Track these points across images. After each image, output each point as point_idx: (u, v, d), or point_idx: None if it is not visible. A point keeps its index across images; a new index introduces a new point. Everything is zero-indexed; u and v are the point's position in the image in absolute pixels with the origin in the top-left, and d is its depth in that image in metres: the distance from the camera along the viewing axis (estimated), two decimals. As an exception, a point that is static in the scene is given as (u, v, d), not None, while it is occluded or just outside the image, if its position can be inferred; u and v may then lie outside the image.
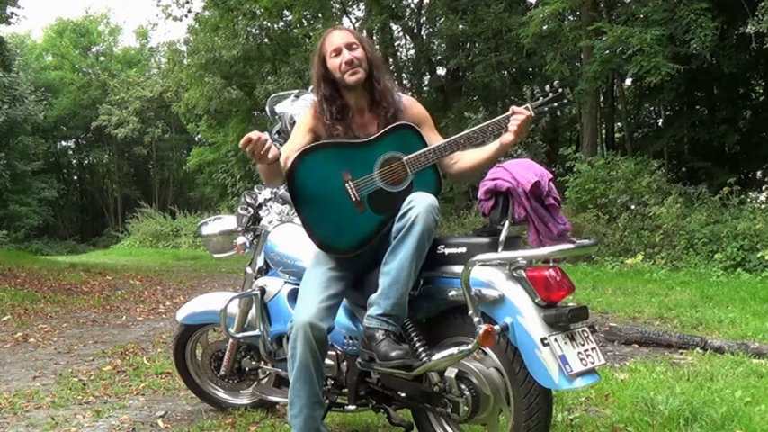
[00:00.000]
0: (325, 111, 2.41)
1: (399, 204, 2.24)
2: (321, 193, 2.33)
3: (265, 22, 18.82)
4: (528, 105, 2.27)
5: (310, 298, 2.32)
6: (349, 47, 2.37)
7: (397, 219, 2.23)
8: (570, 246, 2.12)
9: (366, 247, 2.34)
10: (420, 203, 2.19)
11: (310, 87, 3.11)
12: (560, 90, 2.28)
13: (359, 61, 2.36)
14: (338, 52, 2.37)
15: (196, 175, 30.08)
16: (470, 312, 2.08)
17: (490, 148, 2.35)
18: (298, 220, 2.90)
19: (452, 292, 2.22)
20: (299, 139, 2.42)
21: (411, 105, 2.50)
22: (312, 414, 2.36)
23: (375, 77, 2.40)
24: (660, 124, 16.91)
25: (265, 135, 2.15)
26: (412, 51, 19.28)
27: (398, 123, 2.37)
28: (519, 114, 2.25)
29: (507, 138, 2.27)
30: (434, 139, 2.39)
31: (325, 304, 2.31)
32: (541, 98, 2.28)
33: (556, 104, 2.28)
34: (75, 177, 40.61)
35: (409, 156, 2.30)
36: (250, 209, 3.12)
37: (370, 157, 2.32)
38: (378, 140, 2.33)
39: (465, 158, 2.42)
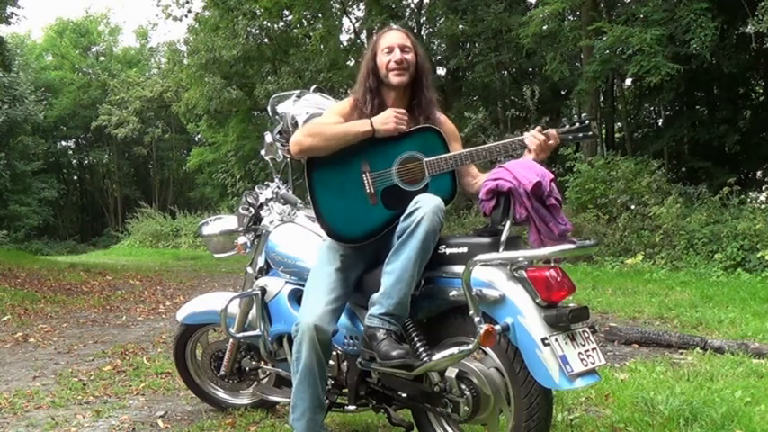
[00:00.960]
0: (367, 102, 2.42)
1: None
2: (337, 178, 2.36)
3: (265, 22, 18.81)
4: (554, 130, 2.33)
5: (316, 300, 2.32)
6: (402, 48, 2.40)
7: (402, 218, 2.23)
8: (571, 246, 2.12)
9: (371, 239, 2.36)
10: (426, 204, 2.19)
11: (312, 87, 3.12)
12: (587, 123, 2.35)
13: (408, 64, 2.39)
14: (391, 50, 2.39)
15: (196, 175, 30.10)
16: (471, 312, 2.08)
17: None
18: (299, 220, 2.91)
19: (453, 292, 2.23)
20: (331, 120, 2.43)
21: (444, 122, 2.53)
22: (314, 417, 2.37)
23: (423, 84, 2.44)
24: (660, 124, 16.92)
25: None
26: (412, 51, 19.25)
27: (426, 125, 2.39)
28: (546, 137, 2.30)
29: (530, 157, 2.30)
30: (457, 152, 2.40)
31: (331, 307, 2.31)
32: (567, 125, 2.36)
33: (580, 135, 2.36)
34: (75, 177, 40.61)
35: (429, 158, 2.32)
36: (251, 209, 3.12)
37: (391, 153, 2.35)
38: (402, 138, 2.35)
39: (485, 179, 2.43)
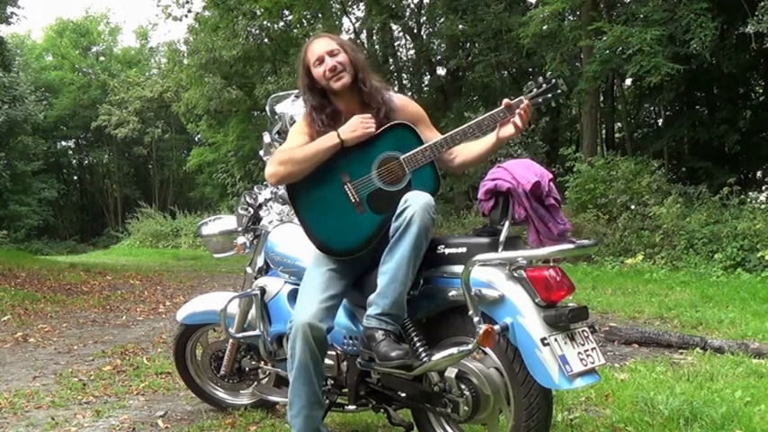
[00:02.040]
0: (315, 119, 2.42)
1: (398, 203, 2.24)
2: (320, 195, 2.35)
3: (265, 22, 18.82)
4: (522, 97, 2.28)
5: (310, 298, 2.32)
6: (331, 53, 2.38)
7: (393, 218, 2.23)
8: (570, 246, 2.12)
9: (369, 247, 2.35)
10: (416, 202, 2.19)
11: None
12: (554, 81, 2.29)
13: (342, 66, 2.37)
14: (321, 60, 2.38)
15: (196, 175, 30.11)
16: (470, 312, 2.08)
17: (488, 141, 2.35)
18: (298, 221, 2.90)
19: (452, 292, 2.22)
20: (296, 142, 2.41)
21: (405, 104, 2.50)
22: (311, 414, 2.37)
23: (360, 79, 2.40)
24: (660, 124, 16.92)
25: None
26: (412, 51, 19.29)
27: (394, 123, 2.37)
28: (519, 109, 2.24)
29: (507, 131, 2.28)
30: (431, 137, 2.39)
31: (325, 305, 2.31)
32: (535, 89, 2.29)
33: (550, 95, 2.29)
34: (75, 177, 40.61)
35: (406, 154, 2.30)
36: (250, 209, 3.12)
37: (367, 158, 2.33)
38: (374, 141, 2.33)
39: (465, 152, 2.42)
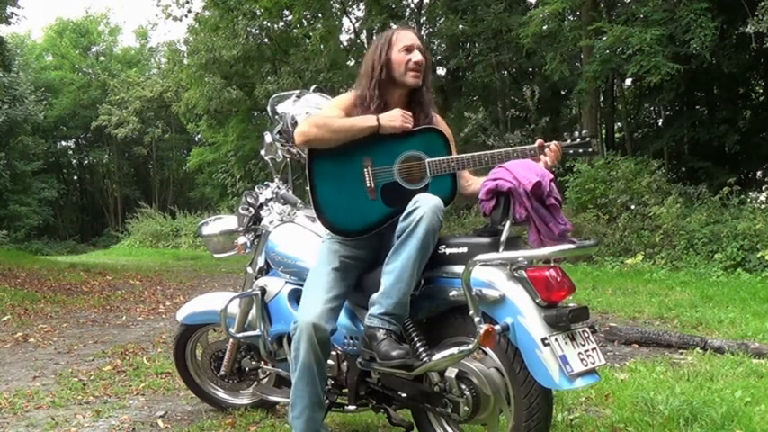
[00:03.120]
0: (375, 97, 2.39)
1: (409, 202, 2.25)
2: (338, 172, 2.37)
3: (265, 22, 18.81)
4: (557, 144, 2.36)
5: (315, 298, 2.32)
6: (420, 49, 2.40)
7: (401, 218, 2.23)
8: (571, 246, 2.12)
9: (368, 234, 2.36)
10: (425, 204, 2.19)
11: (312, 87, 3.12)
12: (588, 139, 2.38)
13: (423, 66, 2.39)
14: (410, 50, 2.39)
15: (196, 175, 30.10)
16: (471, 312, 2.08)
17: None
18: (299, 221, 2.91)
19: (453, 292, 2.22)
20: (333, 114, 2.41)
21: (440, 122, 2.53)
22: (313, 416, 2.37)
23: (426, 85, 2.45)
24: (660, 124, 16.92)
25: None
26: (412, 51, 19.25)
27: (432, 126, 2.41)
28: (552, 151, 2.33)
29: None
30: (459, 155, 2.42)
31: (330, 305, 2.31)
32: (569, 140, 2.39)
33: (581, 150, 2.40)
34: (75, 177, 40.61)
35: (432, 159, 2.33)
36: (251, 209, 3.12)
37: (394, 150, 2.35)
38: (406, 137, 2.35)
39: (480, 182, 2.43)
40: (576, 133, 2.40)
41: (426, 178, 2.34)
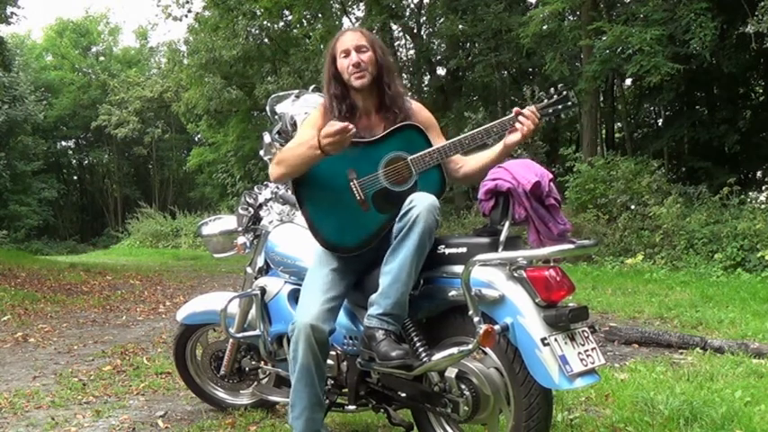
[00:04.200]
0: (334, 108, 2.40)
1: (403, 204, 2.24)
2: (326, 191, 2.34)
3: (265, 22, 18.82)
4: (533, 107, 2.28)
5: (312, 299, 2.32)
6: (358, 49, 2.37)
7: (397, 219, 2.22)
8: (570, 246, 2.12)
9: (370, 245, 2.34)
10: (421, 203, 2.18)
11: (311, 87, 3.12)
12: (564, 93, 2.29)
13: (365, 65, 2.36)
14: (347, 53, 2.37)
15: (196, 175, 30.10)
16: (470, 312, 2.08)
17: (495, 150, 2.37)
18: (298, 220, 2.91)
19: (453, 292, 2.22)
20: (305, 136, 2.38)
21: (419, 110, 2.50)
22: (313, 416, 2.37)
23: (385, 81, 2.40)
24: (660, 124, 16.91)
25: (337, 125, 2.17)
26: (412, 51, 19.28)
27: (404, 123, 2.37)
28: (526, 116, 2.25)
29: (514, 138, 2.28)
30: (440, 144, 2.39)
31: (327, 306, 2.31)
32: (546, 100, 2.30)
33: (560, 107, 2.30)
34: (75, 177, 40.60)
35: (414, 155, 2.30)
36: (250, 209, 3.12)
37: (374, 157, 2.33)
38: (383, 140, 2.33)
39: (471, 162, 2.43)
40: (552, 89, 2.31)
41: (413, 176, 2.31)
